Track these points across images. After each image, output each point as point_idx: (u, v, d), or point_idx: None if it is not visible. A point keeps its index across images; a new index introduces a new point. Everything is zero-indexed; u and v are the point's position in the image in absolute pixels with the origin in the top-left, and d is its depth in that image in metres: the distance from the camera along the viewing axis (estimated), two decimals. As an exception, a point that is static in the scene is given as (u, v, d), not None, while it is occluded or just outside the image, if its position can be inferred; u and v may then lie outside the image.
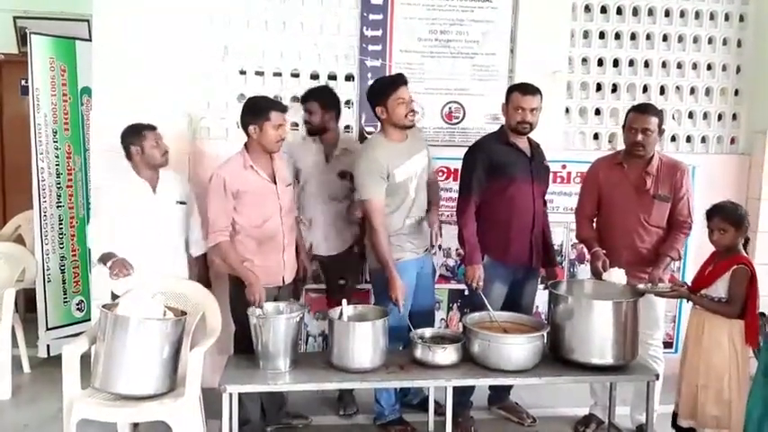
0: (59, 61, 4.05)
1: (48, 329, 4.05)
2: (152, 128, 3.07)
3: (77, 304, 4.22)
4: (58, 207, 4.09)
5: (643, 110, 3.08)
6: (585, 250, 3.44)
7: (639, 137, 3.01)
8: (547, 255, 3.33)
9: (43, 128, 4.00)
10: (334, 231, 3.45)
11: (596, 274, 3.07)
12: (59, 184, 4.09)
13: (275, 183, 2.99)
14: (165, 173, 3.11)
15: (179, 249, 3.17)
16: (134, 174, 3.06)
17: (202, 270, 3.27)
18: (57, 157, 4.06)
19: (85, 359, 2.72)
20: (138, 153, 3.03)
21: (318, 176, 3.42)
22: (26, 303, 4.36)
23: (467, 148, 3.25)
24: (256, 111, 2.93)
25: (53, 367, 3.45)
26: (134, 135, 3.04)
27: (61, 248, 4.12)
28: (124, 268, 2.89)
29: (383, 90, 3.04)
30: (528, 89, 3.13)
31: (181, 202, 3.13)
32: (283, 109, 2.99)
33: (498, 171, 3.10)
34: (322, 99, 3.40)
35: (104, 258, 2.95)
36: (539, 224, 3.23)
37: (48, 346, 4.04)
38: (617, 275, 2.94)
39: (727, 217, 2.83)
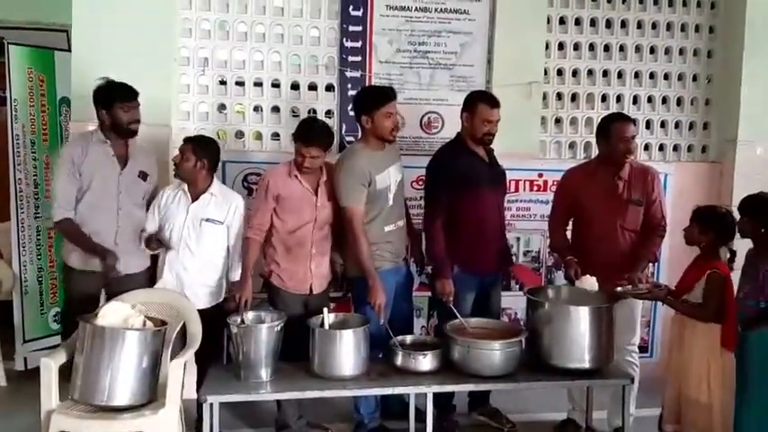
0: (38, 71, 4.03)
1: (25, 342, 4.00)
2: (183, 147, 3.11)
3: (54, 316, 4.17)
4: (35, 218, 4.05)
5: (628, 119, 3.18)
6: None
7: (631, 145, 3.12)
8: (504, 255, 3.39)
9: (21, 138, 3.96)
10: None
11: (569, 282, 3.13)
12: (37, 194, 4.06)
13: (316, 195, 3.07)
14: (216, 192, 3.13)
15: (213, 269, 3.16)
16: (182, 184, 3.15)
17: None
18: (35, 167, 4.03)
19: (63, 371, 2.70)
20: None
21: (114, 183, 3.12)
22: (2, 316, 4.29)
23: (429, 160, 3.28)
24: (297, 134, 3.05)
25: (31, 380, 3.40)
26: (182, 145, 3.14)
27: (38, 260, 4.08)
28: (153, 244, 3.09)
29: (373, 101, 3.08)
30: (495, 102, 3.18)
31: (208, 220, 3.10)
32: (317, 144, 2.99)
33: (463, 181, 3.14)
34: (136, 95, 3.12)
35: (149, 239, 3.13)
36: (503, 230, 3.29)
37: (25, 358, 3.98)
38: (588, 283, 3.00)
39: (695, 215, 2.93)
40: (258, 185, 3.17)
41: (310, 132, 3.03)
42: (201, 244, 3.11)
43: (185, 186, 3.13)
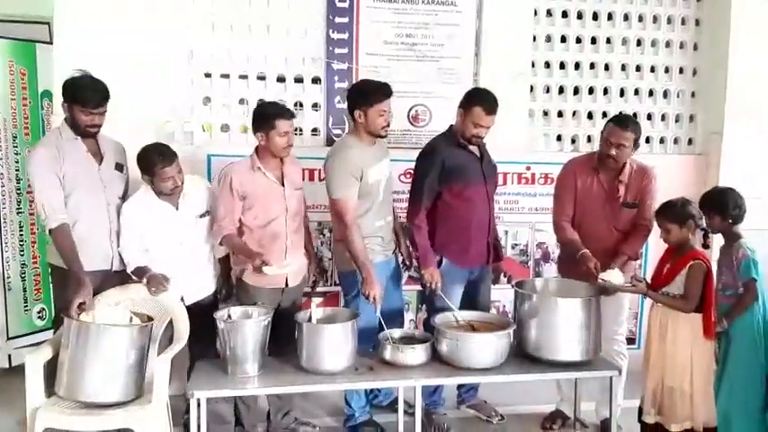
0: (19, 65, 3.96)
1: (9, 339, 3.95)
2: (169, 160, 2.91)
3: (39, 312, 4.13)
4: (18, 213, 4.00)
5: (623, 125, 3.05)
6: (558, 250, 3.49)
7: (613, 151, 3.05)
8: (495, 250, 3.37)
9: (2, 132, 3.90)
10: None
11: (588, 276, 2.99)
12: (20, 189, 4.00)
13: (283, 185, 3.02)
14: (188, 186, 3.03)
15: (206, 261, 3.11)
16: (153, 195, 2.99)
17: (225, 270, 3.22)
18: (17, 162, 3.97)
19: (49, 368, 2.66)
20: (149, 182, 2.95)
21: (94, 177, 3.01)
22: (-15, 313, 4.24)
23: (419, 151, 3.24)
24: (262, 119, 2.94)
25: (15, 377, 3.36)
26: (147, 165, 2.92)
27: (21, 256, 4.03)
28: (161, 284, 2.89)
29: (369, 96, 3.02)
30: (492, 108, 3.06)
31: (203, 215, 3.06)
32: (289, 116, 2.96)
33: (454, 174, 3.11)
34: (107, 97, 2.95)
35: (139, 273, 2.93)
36: (493, 223, 3.29)
37: (9, 356, 3.93)
38: (614, 276, 2.92)
39: (666, 217, 2.91)
40: (221, 184, 3.00)
41: (286, 109, 2.99)
42: (199, 240, 3.07)
43: (153, 191, 2.99)
